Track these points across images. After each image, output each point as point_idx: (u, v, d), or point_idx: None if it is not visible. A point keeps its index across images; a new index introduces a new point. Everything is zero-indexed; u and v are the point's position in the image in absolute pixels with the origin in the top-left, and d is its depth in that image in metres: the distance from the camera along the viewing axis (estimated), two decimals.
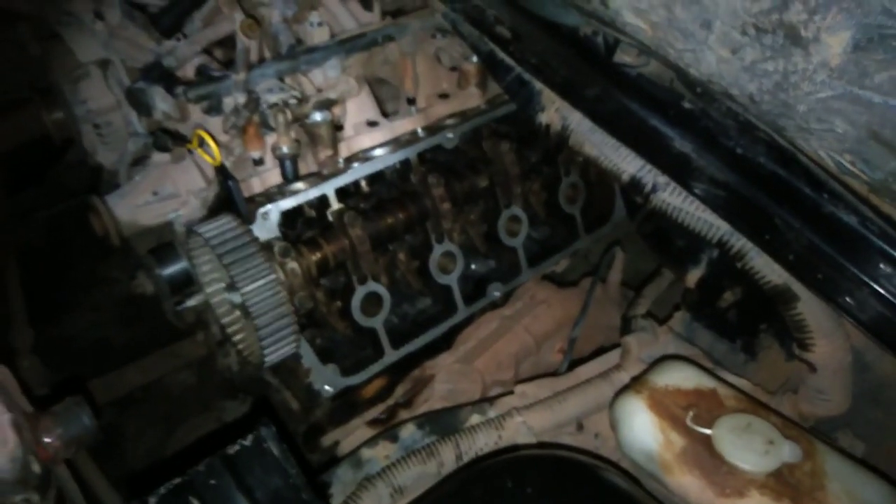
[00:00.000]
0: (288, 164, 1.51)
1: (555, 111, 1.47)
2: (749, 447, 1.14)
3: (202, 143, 1.46)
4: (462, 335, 1.94)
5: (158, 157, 1.73)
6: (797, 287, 1.25)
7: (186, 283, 1.70)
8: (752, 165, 1.21)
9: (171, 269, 1.64)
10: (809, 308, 1.25)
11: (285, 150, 1.49)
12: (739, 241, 1.28)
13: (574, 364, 1.76)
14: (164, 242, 1.73)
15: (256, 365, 1.47)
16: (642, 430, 1.22)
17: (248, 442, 1.05)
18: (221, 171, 1.44)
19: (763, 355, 1.46)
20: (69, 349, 2.60)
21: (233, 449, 1.05)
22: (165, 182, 1.75)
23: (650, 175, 1.35)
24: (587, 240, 2.02)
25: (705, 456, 1.16)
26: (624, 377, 1.53)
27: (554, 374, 1.79)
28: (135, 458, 2.38)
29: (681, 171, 1.29)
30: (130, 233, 1.77)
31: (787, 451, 1.13)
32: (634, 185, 1.36)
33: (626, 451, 1.26)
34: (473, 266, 1.92)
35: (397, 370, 1.82)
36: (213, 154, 1.44)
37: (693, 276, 1.55)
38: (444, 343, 1.91)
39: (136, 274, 1.94)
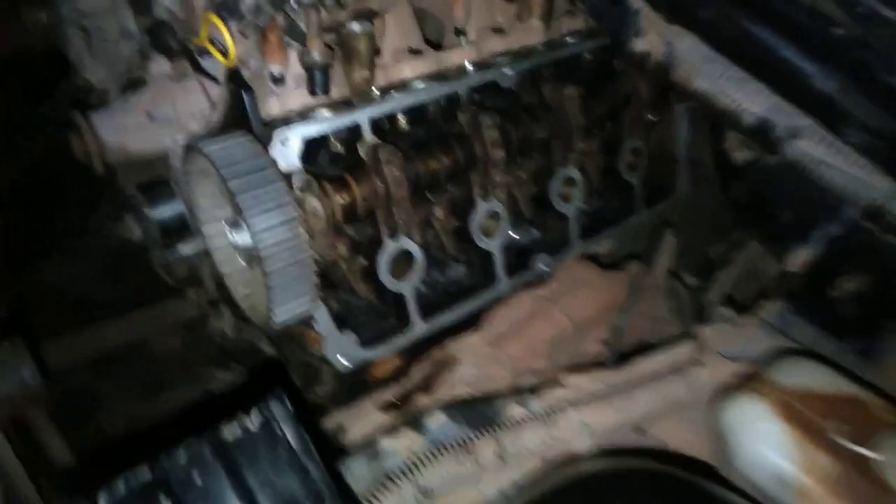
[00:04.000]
0: (318, 75, 1.14)
1: (657, 36, 1.13)
2: None
3: (212, 39, 1.10)
4: (490, 315, 1.63)
5: (157, 68, 1.37)
6: None
7: (181, 229, 1.37)
8: None
9: (164, 211, 1.35)
10: None
11: (317, 57, 1.13)
12: None
13: (620, 358, 1.46)
14: (158, 178, 1.39)
15: (261, 324, 1.11)
16: (771, 443, 0.89)
17: (252, 423, 0.68)
18: (234, 77, 1.08)
19: (891, 359, 1.13)
20: (47, 300, 2.25)
21: (230, 431, 0.69)
22: (163, 102, 1.40)
23: (784, 117, 1.01)
24: (646, 214, 1.67)
25: (866, 486, 0.82)
26: (702, 374, 1.23)
27: (602, 365, 1.48)
28: (110, 427, 2.05)
29: (829, 114, 0.96)
30: (117, 159, 1.42)
31: None
32: (762, 129, 1.03)
33: (744, 470, 0.92)
34: (516, 233, 1.58)
35: (415, 349, 1.51)
36: (226, 47, 1.07)
37: (799, 258, 1.21)
38: (470, 322, 1.58)
39: (122, 215, 1.61)
